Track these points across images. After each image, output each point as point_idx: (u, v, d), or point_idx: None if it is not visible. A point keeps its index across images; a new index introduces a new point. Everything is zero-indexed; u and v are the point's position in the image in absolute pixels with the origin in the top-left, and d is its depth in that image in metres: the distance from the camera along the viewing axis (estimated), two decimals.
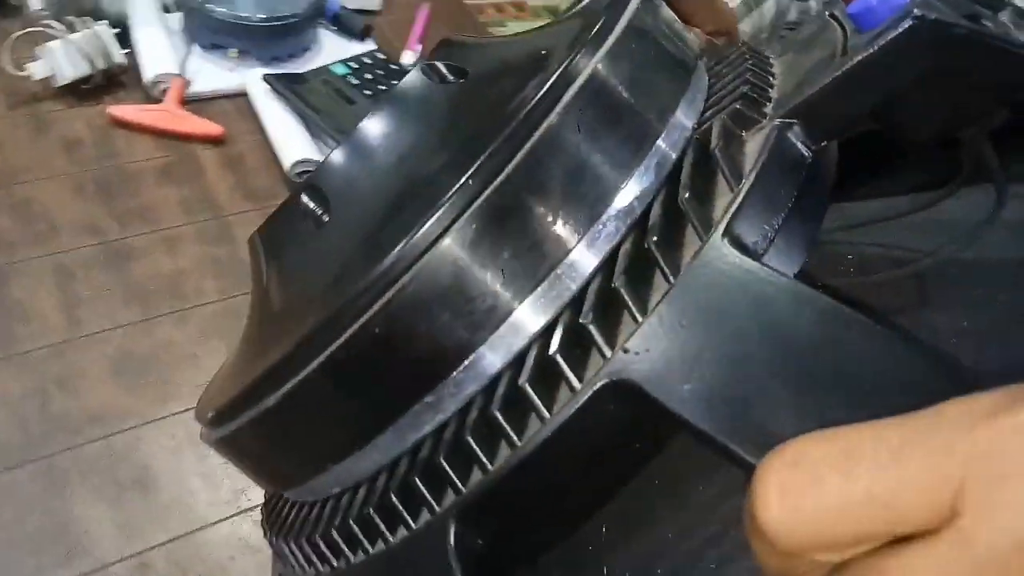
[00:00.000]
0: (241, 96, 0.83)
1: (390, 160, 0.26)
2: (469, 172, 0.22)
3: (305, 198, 0.28)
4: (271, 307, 0.28)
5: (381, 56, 0.91)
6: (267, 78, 0.81)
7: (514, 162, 0.22)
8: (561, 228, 0.23)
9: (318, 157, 0.77)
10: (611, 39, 0.25)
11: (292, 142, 0.77)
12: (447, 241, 0.22)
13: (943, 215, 0.30)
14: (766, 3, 0.65)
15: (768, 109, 0.26)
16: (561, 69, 0.24)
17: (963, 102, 0.25)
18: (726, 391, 0.20)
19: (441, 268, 0.22)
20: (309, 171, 0.76)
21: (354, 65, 0.88)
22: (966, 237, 0.28)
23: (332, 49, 0.90)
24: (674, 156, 0.25)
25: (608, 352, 0.22)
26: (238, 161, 0.79)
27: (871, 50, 0.24)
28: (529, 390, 0.21)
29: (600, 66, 0.24)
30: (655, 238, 0.23)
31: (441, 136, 0.26)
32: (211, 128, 0.79)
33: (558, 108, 0.23)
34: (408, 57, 0.94)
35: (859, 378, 0.19)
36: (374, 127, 0.27)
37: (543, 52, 0.27)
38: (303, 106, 0.80)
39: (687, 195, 0.23)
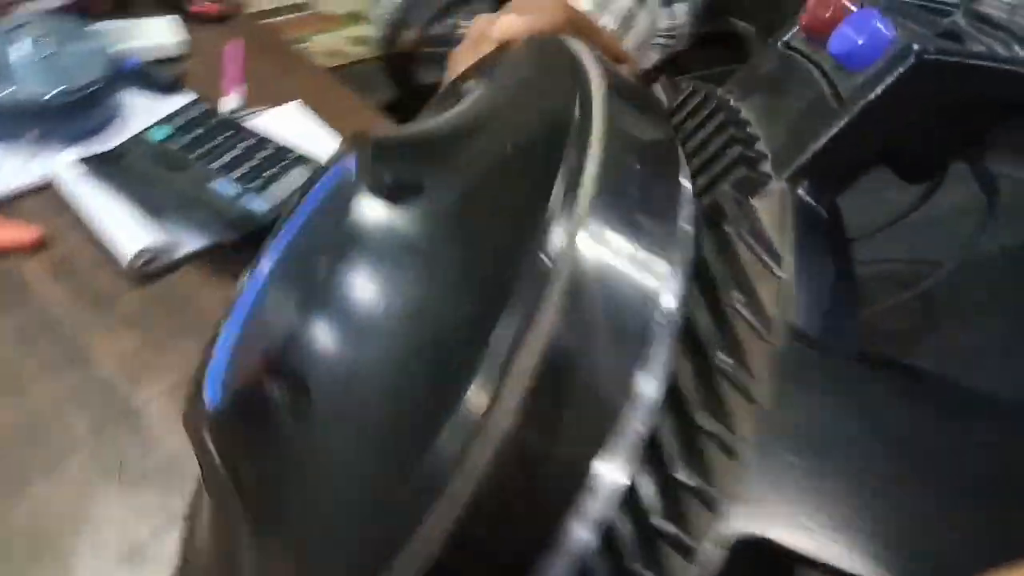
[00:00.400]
0: (51, 188, 0.74)
1: (377, 321, 0.22)
2: (509, 342, 0.19)
3: (274, 390, 0.23)
4: (255, 521, 0.24)
5: (202, 107, 0.83)
6: (82, 161, 0.72)
7: (551, 315, 0.20)
8: (614, 364, 0.21)
9: (161, 240, 0.69)
10: (600, 127, 0.23)
11: (127, 229, 0.70)
12: (504, 425, 0.19)
13: (930, 215, 0.29)
14: (639, 16, 0.64)
15: (766, 167, 0.25)
16: (566, 187, 0.21)
17: (964, 126, 0.25)
18: (871, 527, 0.18)
19: (504, 461, 0.19)
20: (153, 258, 0.69)
21: (174, 124, 0.80)
22: (965, 246, 0.28)
23: (144, 111, 0.82)
24: (692, 233, 0.23)
25: (722, 507, 0.19)
26: (68, 265, 0.70)
27: (877, 92, 0.23)
28: (644, 572, 0.19)
29: (604, 168, 0.22)
30: (719, 354, 0.21)
31: (433, 283, 0.22)
32: (25, 233, 0.70)
33: (580, 237, 0.21)
34: (230, 102, 0.87)
35: (1007, 477, 0.18)
36: (345, 281, 0.23)
37: (511, 147, 0.24)
38: (129, 184, 0.72)
39: (735, 294, 0.21)
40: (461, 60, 0.45)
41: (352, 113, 0.94)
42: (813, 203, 0.23)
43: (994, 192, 0.27)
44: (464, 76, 0.36)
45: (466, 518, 0.19)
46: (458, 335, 0.21)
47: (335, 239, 0.24)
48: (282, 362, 0.23)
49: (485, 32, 0.44)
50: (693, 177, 0.26)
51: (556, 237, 0.21)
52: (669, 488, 0.20)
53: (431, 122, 0.30)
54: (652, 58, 0.66)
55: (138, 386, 0.63)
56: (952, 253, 0.29)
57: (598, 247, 0.21)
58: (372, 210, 0.24)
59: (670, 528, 0.20)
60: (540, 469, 0.20)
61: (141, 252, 0.68)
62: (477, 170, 0.25)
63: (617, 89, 0.25)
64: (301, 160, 0.80)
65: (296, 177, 0.78)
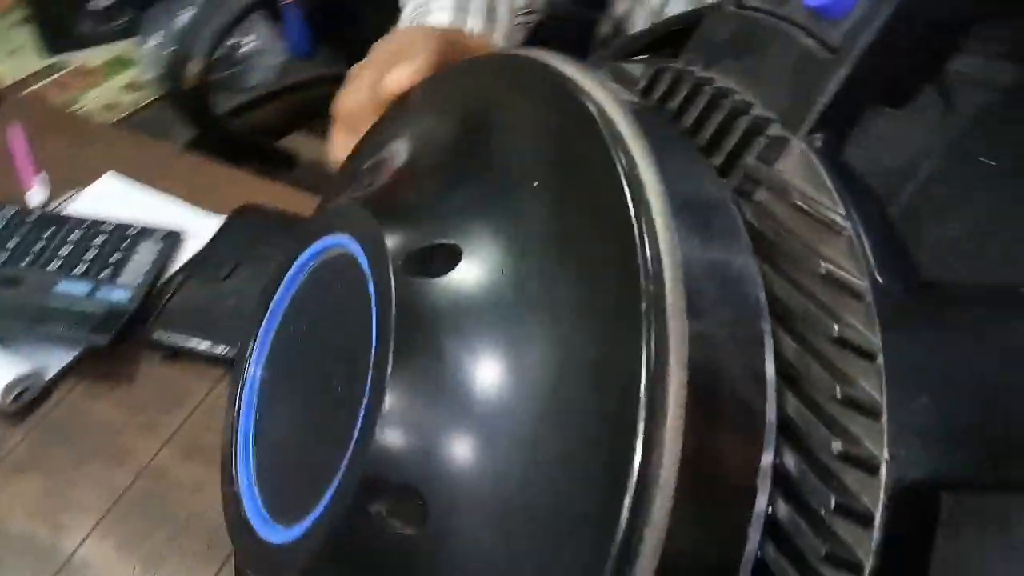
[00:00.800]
0: None
1: (490, 399, 0.21)
2: (652, 379, 0.19)
3: (377, 506, 0.22)
4: None
5: (9, 210, 0.75)
6: None
7: (682, 337, 0.20)
8: (741, 359, 0.21)
9: (25, 368, 0.62)
10: (631, 129, 0.23)
11: None
12: (674, 471, 0.19)
13: (883, 128, 0.31)
14: (499, 5, 0.63)
15: (777, 131, 0.25)
16: (633, 201, 0.21)
17: (941, 45, 0.26)
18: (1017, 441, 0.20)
19: (682, 507, 0.19)
20: (22, 391, 0.62)
21: None
22: (934, 150, 0.30)
23: None
24: (742, 225, 0.24)
25: (876, 464, 0.20)
26: None
27: (873, 34, 0.24)
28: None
29: (661, 171, 0.22)
30: (835, 328, 0.21)
31: (532, 345, 0.21)
32: None
33: (673, 247, 0.21)
34: (37, 195, 0.79)
35: None
36: (428, 371, 0.22)
37: (539, 179, 0.24)
38: None
39: (810, 259, 0.22)
40: (353, 111, 0.43)
41: (167, 165, 0.88)
42: (837, 154, 0.24)
43: (950, 96, 0.29)
44: (379, 129, 0.34)
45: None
46: (588, 387, 0.20)
47: (388, 333, 0.23)
48: (382, 475, 0.22)
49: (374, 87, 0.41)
50: (707, 152, 0.26)
51: (652, 254, 0.20)
52: (816, 462, 0.21)
53: (399, 178, 0.28)
54: (519, 39, 0.66)
55: (62, 531, 0.57)
56: (911, 160, 0.31)
57: (691, 251, 0.21)
58: (421, 290, 0.23)
59: (832, 499, 0.20)
60: (714, 497, 0.20)
61: (7, 388, 0.61)
62: (510, 214, 0.24)
63: (616, 86, 0.24)
64: (144, 233, 0.75)
65: (147, 252, 0.73)
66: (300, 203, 0.81)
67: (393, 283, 0.23)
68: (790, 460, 0.21)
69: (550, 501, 0.21)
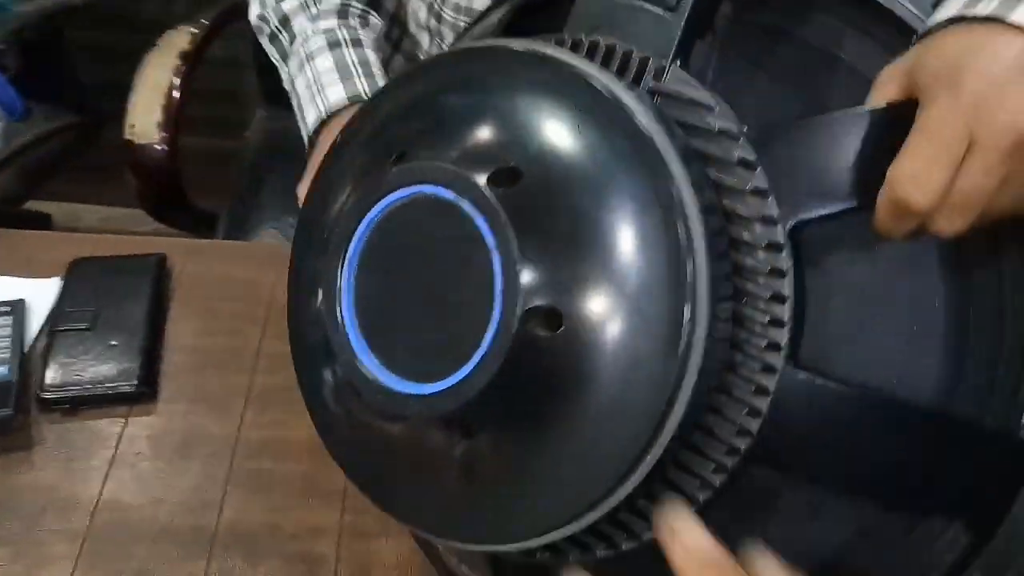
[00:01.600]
0: None
1: (595, 247, 0.35)
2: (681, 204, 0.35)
3: (532, 329, 0.35)
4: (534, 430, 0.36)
5: None
6: None
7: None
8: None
9: None
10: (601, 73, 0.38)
11: None
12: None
13: None
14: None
15: (654, 63, 0.42)
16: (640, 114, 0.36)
17: None
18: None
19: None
20: None
21: None
22: (715, 62, 0.49)
23: None
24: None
25: (779, 223, 0.38)
26: None
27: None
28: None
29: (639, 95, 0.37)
30: (735, 155, 0.38)
31: (609, 202, 0.36)
32: None
33: (655, 125, 0.36)
34: None
35: None
36: (536, 241, 0.35)
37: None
38: None
39: (714, 126, 0.39)
40: None
41: None
42: (686, 69, 0.41)
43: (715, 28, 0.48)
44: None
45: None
46: (641, 220, 0.35)
47: (503, 225, 0.36)
48: (531, 304, 0.35)
49: None
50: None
51: (649, 139, 0.36)
52: (747, 225, 0.38)
53: (428, 138, 0.40)
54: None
55: None
56: (701, 69, 0.49)
57: (670, 135, 0.37)
58: (505, 196, 0.36)
59: (764, 240, 0.38)
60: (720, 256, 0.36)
61: None
62: (545, 138, 0.37)
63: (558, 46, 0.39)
64: None
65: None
66: (115, 247, 0.84)
67: (490, 195, 0.36)
68: (734, 231, 0.38)
69: (636, 289, 0.35)
